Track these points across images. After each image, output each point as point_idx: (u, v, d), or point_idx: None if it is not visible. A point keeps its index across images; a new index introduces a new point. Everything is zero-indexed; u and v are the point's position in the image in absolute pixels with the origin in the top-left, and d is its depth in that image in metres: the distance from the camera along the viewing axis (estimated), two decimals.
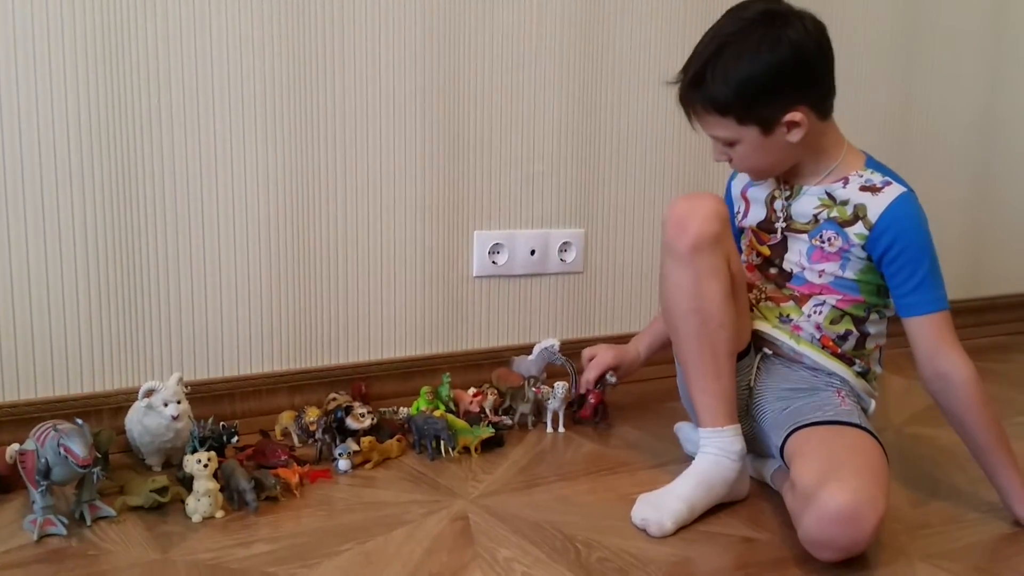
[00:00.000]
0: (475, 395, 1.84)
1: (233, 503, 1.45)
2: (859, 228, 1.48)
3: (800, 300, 1.56)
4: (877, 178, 1.50)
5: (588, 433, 1.84)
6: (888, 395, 2.09)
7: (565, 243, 2.10)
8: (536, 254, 2.07)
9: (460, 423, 1.73)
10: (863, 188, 1.49)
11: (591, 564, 1.30)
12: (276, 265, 1.79)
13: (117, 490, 1.48)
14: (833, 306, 1.54)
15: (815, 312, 1.55)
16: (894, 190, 1.47)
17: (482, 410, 1.81)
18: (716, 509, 1.47)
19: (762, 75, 1.40)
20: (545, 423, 1.86)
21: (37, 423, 1.40)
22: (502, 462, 1.68)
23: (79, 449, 1.31)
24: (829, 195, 1.51)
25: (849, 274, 1.52)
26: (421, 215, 1.92)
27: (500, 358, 2.01)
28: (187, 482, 1.45)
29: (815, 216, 1.53)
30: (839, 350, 1.56)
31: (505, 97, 1.97)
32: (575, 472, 1.65)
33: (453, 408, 1.84)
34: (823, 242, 1.52)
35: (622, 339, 2.17)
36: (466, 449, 1.70)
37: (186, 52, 1.65)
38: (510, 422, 1.84)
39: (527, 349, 1.97)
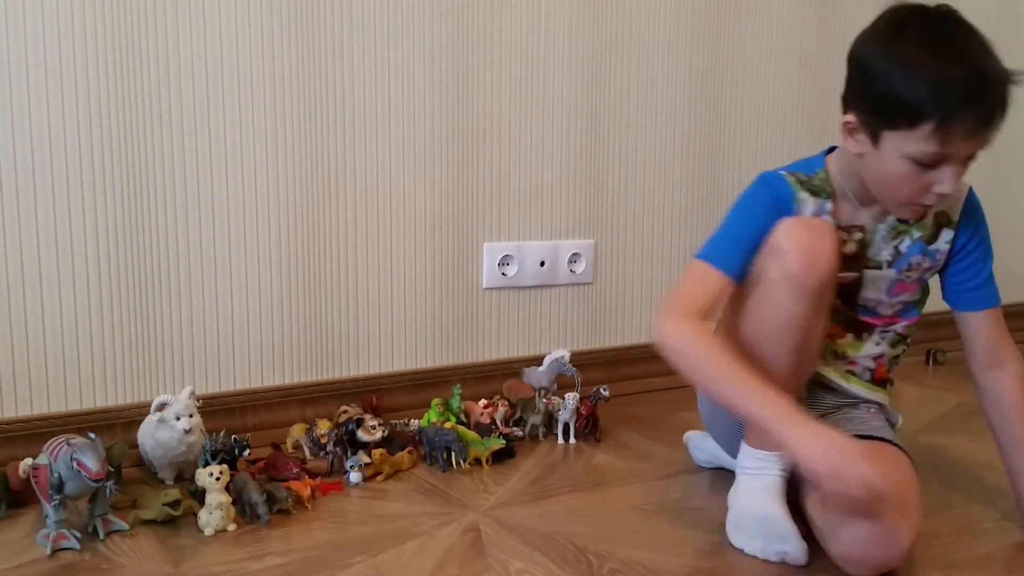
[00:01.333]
0: (486, 406, 1.84)
1: (245, 516, 1.46)
2: (946, 235, 1.44)
3: (866, 331, 1.49)
4: None
5: (599, 444, 1.84)
6: (900, 405, 2.08)
7: (575, 254, 2.10)
8: (546, 265, 2.07)
9: (471, 435, 1.73)
10: None
11: (603, 575, 1.30)
12: (287, 279, 1.80)
13: (130, 504, 1.48)
14: (897, 332, 1.51)
15: (881, 341, 1.50)
16: (962, 184, 1.41)
17: (493, 421, 1.82)
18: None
19: None
20: (556, 434, 1.86)
21: (50, 437, 1.41)
22: (513, 473, 1.68)
23: (92, 463, 1.31)
24: (901, 220, 1.43)
25: (918, 295, 1.50)
26: (431, 227, 1.93)
27: (510, 369, 2.01)
28: (199, 495, 1.45)
29: (895, 248, 1.45)
30: (888, 374, 1.54)
31: (514, 108, 1.98)
32: (586, 483, 1.64)
33: (464, 420, 1.84)
34: (910, 270, 1.46)
35: (631, 350, 2.18)
36: (477, 461, 1.70)
37: (196, 55, 1.66)
38: (521, 433, 1.84)
39: (537, 360, 1.97)
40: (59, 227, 1.60)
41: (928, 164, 1.28)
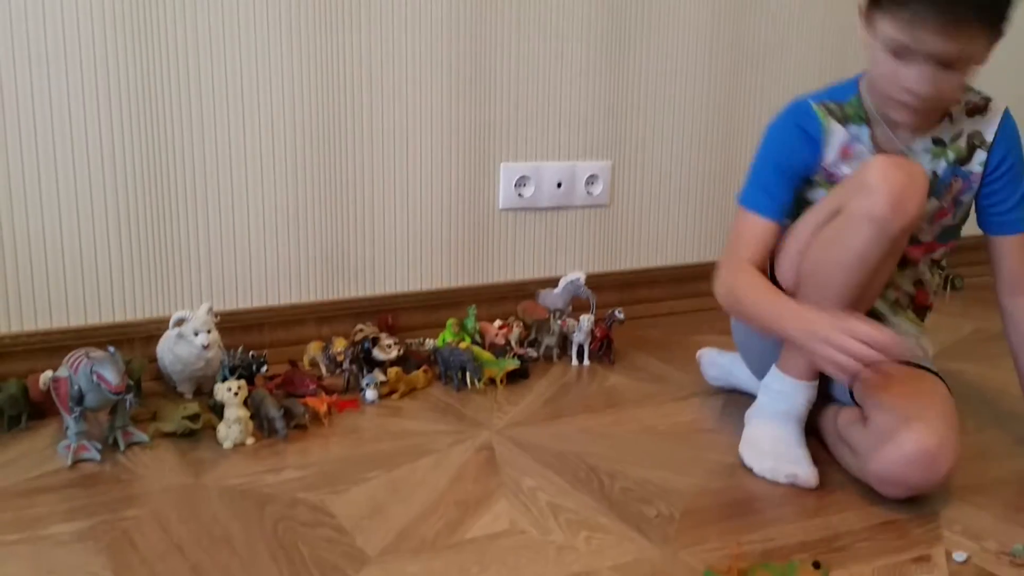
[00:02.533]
0: (501, 327, 1.85)
1: (263, 430, 1.48)
2: (979, 156, 1.43)
3: (907, 259, 1.47)
4: (974, 96, 1.43)
5: (613, 366, 1.85)
6: None
7: (592, 176, 2.08)
8: (563, 187, 2.05)
9: (486, 355, 1.75)
10: (969, 112, 1.42)
11: (614, 494, 1.31)
12: (304, 197, 1.80)
13: (150, 417, 1.51)
14: (933, 258, 1.51)
15: (921, 267, 1.51)
16: (997, 105, 1.43)
17: (507, 342, 1.83)
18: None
19: None
20: (570, 356, 1.87)
21: (70, 351, 1.43)
22: (527, 394, 1.69)
23: (112, 376, 1.33)
24: (935, 142, 1.42)
25: (955, 220, 1.48)
26: (448, 147, 1.91)
27: (526, 291, 2.02)
28: (218, 409, 1.47)
29: (933, 172, 1.42)
30: (930, 301, 1.54)
31: (532, 26, 1.94)
32: (599, 404, 1.66)
33: (479, 340, 1.85)
34: (948, 195, 1.44)
35: (647, 273, 2.18)
36: (491, 381, 1.71)
37: (212, 7, 1.64)
38: (535, 354, 1.85)
39: (553, 282, 1.97)
40: (76, 144, 1.59)
41: (898, 54, 1.28)
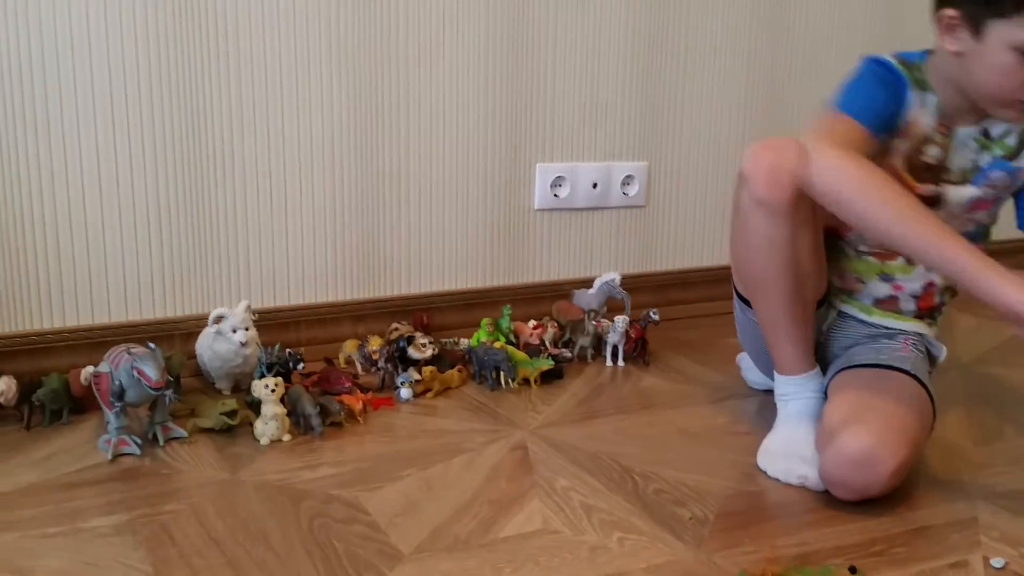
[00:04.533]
0: (535, 327, 1.85)
1: (299, 427, 1.49)
2: None
3: None
4: None
5: (647, 367, 1.85)
6: (957, 334, 2.06)
7: (628, 176, 2.08)
8: (598, 187, 2.05)
9: (520, 355, 1.75)
10: None
11: (648, 495, 1.31)
12: (341, 198, 1.81)
13: (188, 412, 1.53)
14: None
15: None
16: None
17: (542, 342, 1.83)
18: None
19: None
20: (604, 356, 1.87)
21: (111, 347, 1.45)
22: (561, 394, 1.69)
23: (152, 372, 1.35)
24: (985, 134, 1.40)
25: (990, 219, 1.46)
26: (484, 147, 1.92)
27: (561, 291, 2.02)
28: (255, 406, 1.49)
29: (975, 163, 1.41)
30: (936, 303, 1.50)
31: (570, 26, 1.94)
32: (634, 405, 1.66)
33: (513, 340, 1.85)
34: (989, 187, 1.42)
35: (683, 275, 2.17)
36: (525, 381, 1.72)
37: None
38: (569, 355, 1.85)
39: (588, 282, 1.97)
40: (119, 144, 1.61)
41: None
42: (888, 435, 1.26)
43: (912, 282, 1.49)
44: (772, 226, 1.34)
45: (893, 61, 1.39)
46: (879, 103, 1.37)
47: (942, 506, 1.30)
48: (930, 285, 1.49)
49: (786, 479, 1.37)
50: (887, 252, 1.47)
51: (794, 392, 1.44)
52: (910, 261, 1.46)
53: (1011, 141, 1.40)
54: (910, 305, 1.50)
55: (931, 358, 1.51)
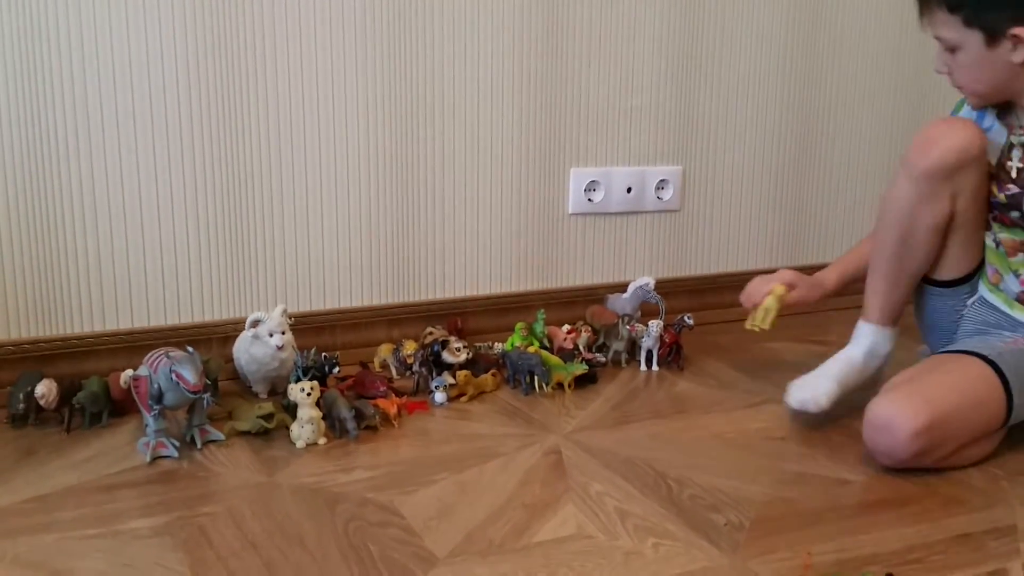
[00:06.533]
0: (569, 332, 1.85)
1: (335, 431, 1.50)
2: None
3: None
4: None
5: (682, 372, 1.84)
6: None
7: (662, 181, 2.07)
8: (632, 192, 2.05)
9: (554, 359, 1.75)
10: None
11: (683, 501, 1.31)
12: (377, 203, 1.82)
13: (226, 415, 1.54)
14: None
15: None
16: None
17: (576, 347, 1.83)
18: (815, 452, 1.47)
19: None
20: (638, 361, 1.86)
21: (150, 350, 1.46)
22: (595, 399, 1.69)
23: (190, 375, 1.36)
24: None
25: None
26: (518, 152, 1.92)
27: (594, 295, 2.02)
28: (291, 409, 1.50)
29: None
30: None
31: (604, 30, 1.94)
32: (668, 410, 1.65)
33: (547, 344, 1.85)
34: None
35: (717, 279, 2.16)
36: (559, 385, 1.72)
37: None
38: (603, 359, 1.85)
39: (622, 287, 1.96)
40: (158, 153, 1.64)
41: None
42: (907, 401, 1.37)
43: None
44: (903, 186, 1.49)
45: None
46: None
47: (980, 513, 1.28)
48: None
49: (790, 402, 1.55)
50: (1015, 243, 1.52)
51: (856, 335, 1.61)
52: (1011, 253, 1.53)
53: None
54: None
55: None
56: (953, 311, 1.60)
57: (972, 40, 1.41)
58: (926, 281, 1.60)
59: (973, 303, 1.59)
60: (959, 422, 1.38)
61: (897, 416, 1.35)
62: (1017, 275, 1.52)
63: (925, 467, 1.39)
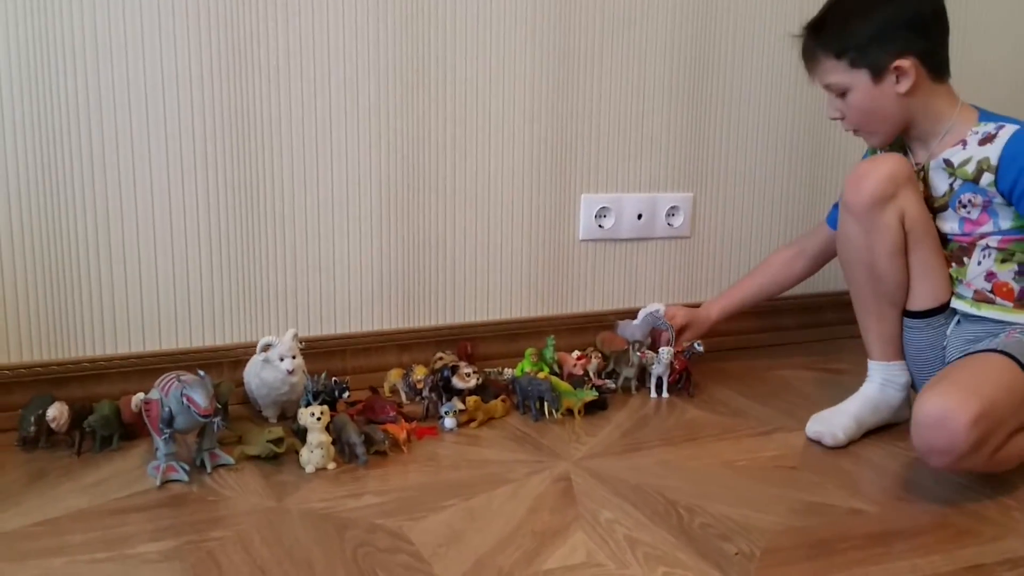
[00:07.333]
0: (579, 358, 1.85)
1: (344, 456, 1.50)
2: (987, 178, 1.50)
3: (965, 251, 1.57)
4: (991, 127, 1.52)
5: (692, 399, 1.83)
6: None
7: (673, 207, 2.08)
8: (643, 218, 2.05)
9: (564, 385, 1.75)
10: (980, 142, 1.51)
11: (693, 529, 1.30)
12: (388, 228, 1.83)
13: (236, 440, 1.54)
14: (996, 247, 1.54)
15: (983, 259, 1.55)
16: (1008, 130, 1.50)
17: (586, 373, 1.82)
18: (827, 481, 1.46)
19: (878, 19, 1.51)
20: (649, 388, 1.86)
21: (161, 373, 1.47)
22: (605, 425, 1.69)
23: (201, 399, 1.37)
24: (948, 163, 1.55)
25: (1004, 224, 1.53)
26: (528, 178, 1.93)
27: (605, 322, 2.01)
28: (301, 434, 1.50)
29: (950, 186, 1.56)
30: (1008, 288, 1.55)
31: (615, 58, 1.95)
32: (678, 437, 1.64)
33: (557, 370, 1.85)
34: (965, 207, 1.54)
35: None
36: (569, 411, 1.71)
37: (303, 8, 1.69)
38: (613, 386, 1.84)
39: (632, 313, 1.96)
40: (172, 178, 1.65)
41: None
42: (957, 394, 1.35)
43: (976, 280, 1.56)
44: (850, 226, 1.58)
45: None
46: None
47: (993, 544, 1.27)
48: (991, 275, 1.56)
49: (807, 432, 1.62)
50: (949, 255, 1.60)
51: (870, 373, 1.66)
52: (959, 264, 1.59)
53: (969, 168, 1.53)
54: (986, 296, 1.57)
55: None
56: (934, 343, 1.61)
57: (860, 79, 1.54)
58: (904, 314, 1.63)
59: (953, 330, 1.61)
60: (1004, 408, 1.38)
61: (951, 408, 1.34)
62: (962, 283, 1.58)
63: (978, 470, 1.41)
